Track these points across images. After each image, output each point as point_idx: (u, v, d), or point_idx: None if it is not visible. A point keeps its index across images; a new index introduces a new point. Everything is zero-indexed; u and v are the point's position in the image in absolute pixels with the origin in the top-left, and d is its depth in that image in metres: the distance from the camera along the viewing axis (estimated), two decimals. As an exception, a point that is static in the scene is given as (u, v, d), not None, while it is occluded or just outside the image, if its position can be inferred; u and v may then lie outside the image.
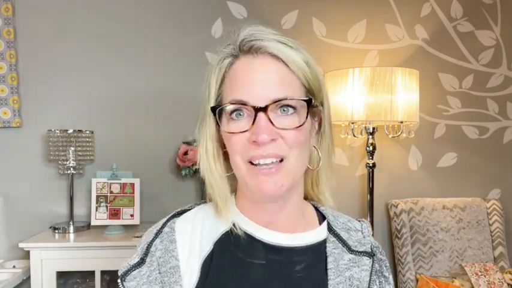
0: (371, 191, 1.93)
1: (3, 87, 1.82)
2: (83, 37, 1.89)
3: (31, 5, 1.85)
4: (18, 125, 1.84)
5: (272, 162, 0.61)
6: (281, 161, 0.62)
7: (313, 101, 0.63)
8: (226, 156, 0.68)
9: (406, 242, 1.96)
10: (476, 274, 1.91)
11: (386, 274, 0.71)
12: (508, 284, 1.91)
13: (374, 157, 1.91)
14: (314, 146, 0.69)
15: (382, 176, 2.08)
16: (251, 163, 0.62)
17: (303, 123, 0.62)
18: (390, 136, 1.97)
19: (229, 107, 0.62)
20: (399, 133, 1.90)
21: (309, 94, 0.65)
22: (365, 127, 1.89)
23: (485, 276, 1.90)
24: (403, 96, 1.75)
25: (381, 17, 2.08)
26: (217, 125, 0.64)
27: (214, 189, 0.67)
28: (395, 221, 2.00)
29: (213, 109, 0.64)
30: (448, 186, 2.16)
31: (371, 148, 1.90)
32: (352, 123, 1.87)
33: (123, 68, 1.92)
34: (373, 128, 1.88)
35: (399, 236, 1.97)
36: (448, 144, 2.16)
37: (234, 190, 0.72)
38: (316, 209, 0.75)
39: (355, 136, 1.92)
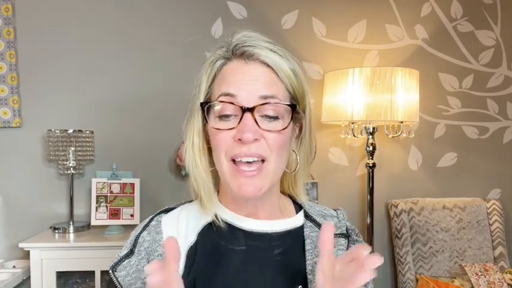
0: (371, 191, 1.93)
1: (3, 87, 1.82)
2: (83, 37, 1.88)
3: (31, 5, 1.85)
4: (18, 125, 1.84)
5: (254, 161, 0.65)
6: (262, 161, 0.65)
7: (297, 107, 0.68)
8: (210, 151, 0.71)
9: (406, 242, 1.96)
10: (476, 274, 1.91)
11: None
12: (508, 284, 1.90)
13: (374, 157, 1.91)
14: (293, 150, 0.73)
15: (382, 176, 2.08)
16: (234, 161, 0.65)
17: (286, 126, 0.66)
18: (390, 136, 1.97)
19: (218, 107, 0.65)
20: (399, 133, 1.90)
21: (293, 100, 0.68)
22: (365, 127, 1.89)
23: (485, 276, 1.90)
24: (403, 96, 1.75)
25: (381, 17, 2.08)
26: (205, 120, 0.68)
27: (199, 183, 0.71)
28: (395, 221, 2.00)
29: (202, 105, 0.67)
30: (448, 186, 2.16)
31: (371, 148, 1.90)
32: (352, 123, 1.87)
33: (123, 68, 1.91)
34: (373, 128, 1.88)
35: (399, 236, 1.97)
36: (448, 144, 2.16)
37: (217, 184, 0.75)
38: (293, 200, 0.79)
39: (355, 136, 1.92)
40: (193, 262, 0.69)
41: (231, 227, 0.71)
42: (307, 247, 0.70)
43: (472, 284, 1.88)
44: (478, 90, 2.16)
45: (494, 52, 2.16)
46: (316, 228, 0.73)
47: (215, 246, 0.70)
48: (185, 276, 0.67)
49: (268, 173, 0.65)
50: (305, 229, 0.73)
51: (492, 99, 2.18)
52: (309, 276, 0.68)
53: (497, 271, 1.94)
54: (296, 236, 0.72)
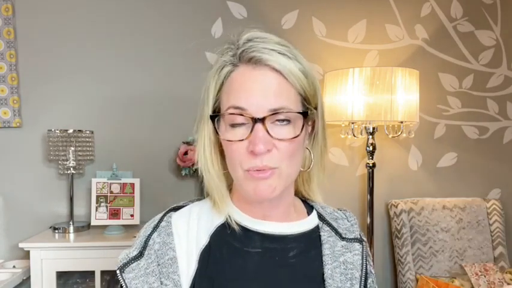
0: (371, 191, 1.93)
1: (3, 87, 1.82)
2: (83, 37, 1.89)
3: (31, 5, 1.85)
4: (18, 125, 1.84)
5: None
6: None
7: (309, 113, 0.66)
8: (222, 153, 0.70)
9: (406, 242, 1.96)
10: (476, 274, 1.91)
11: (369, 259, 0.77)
12: (508, 284, 1.90)
13: (374, 157, 1.91)
14: (307, 148, 0.72)
15: (382, 176, 2.08)
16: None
17: (298, 134, 0.65)
18: (390, 136, 1.97)
19: (228, 116, 0.65)
20: (399, 133, 1.90)
21: (305, 101, 0.67)
22: (365, 127, 1.89)
23: (485, 276, 1.90)
24: (403, 96, 1.75)
25: (381, 17, 2.08)
26: (215, 131, 0.68)
27: (212, 187, 0.71)
28: (395, 221, 2.00)
29: (212, 117, 0.67)
30: (448, 186, 2.16)
31: (371, 148, 1.90)
32: (352, 123, 1.87)
33: (123, 68, 1.91)
34: (373, 128, 1.88)
35: (399, 236, 1.97)
36: (448, 144, 2.16)
37: (230, 186, 0.75)
38: (304, 201, 0.79)
39: (355, 136, 1.92)
40: (207, 265, 0.68)
41: (245, 229, 0.71)
42: (325, 252, 0.71)
43: (472, 284, 1.88)
44: (478, 90, 2.16)
45: (494, 52, 2.16)
46: (333, 233, 0.74)
47: (229, 249, 0.69)
48: (199, 280, 0.67)
49: (281, 175, 0.65)
50: (322, 233, 0.73)
51: (492, 99, 2.18)
52: (329, 281, 0.69)
53: (497, 271, 1.94)
54: (310, 238, 0.73)
